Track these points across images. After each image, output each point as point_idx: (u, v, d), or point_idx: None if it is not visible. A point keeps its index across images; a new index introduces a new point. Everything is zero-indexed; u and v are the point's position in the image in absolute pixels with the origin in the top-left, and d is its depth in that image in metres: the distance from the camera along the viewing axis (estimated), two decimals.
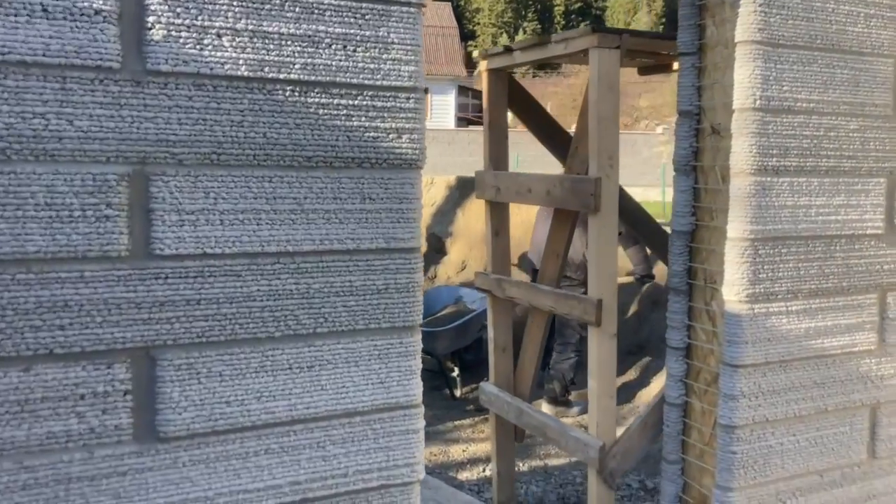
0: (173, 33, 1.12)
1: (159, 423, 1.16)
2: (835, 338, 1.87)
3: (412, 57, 1.28)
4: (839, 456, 1.93)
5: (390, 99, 1.27)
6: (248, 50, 1.17)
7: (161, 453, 1.16)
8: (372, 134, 1.26)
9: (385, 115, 1.27)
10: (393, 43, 1.26)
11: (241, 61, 1.16)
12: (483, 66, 3.19)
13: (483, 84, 3.22)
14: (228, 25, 1.15)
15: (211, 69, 1.14)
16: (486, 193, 3.19)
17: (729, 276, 1.75)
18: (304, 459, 1.27)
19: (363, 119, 1.25)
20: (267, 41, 1.18)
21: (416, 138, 1.29)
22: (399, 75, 1.27)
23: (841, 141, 1.80)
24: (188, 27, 1.13)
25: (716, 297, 1.85)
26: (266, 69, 1.18)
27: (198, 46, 1.13)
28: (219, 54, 1.15)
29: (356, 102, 1.25)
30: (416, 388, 1.35)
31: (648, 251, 5.28)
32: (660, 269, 5.64)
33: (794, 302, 1.80)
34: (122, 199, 1.10)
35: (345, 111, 1.24)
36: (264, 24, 1.18)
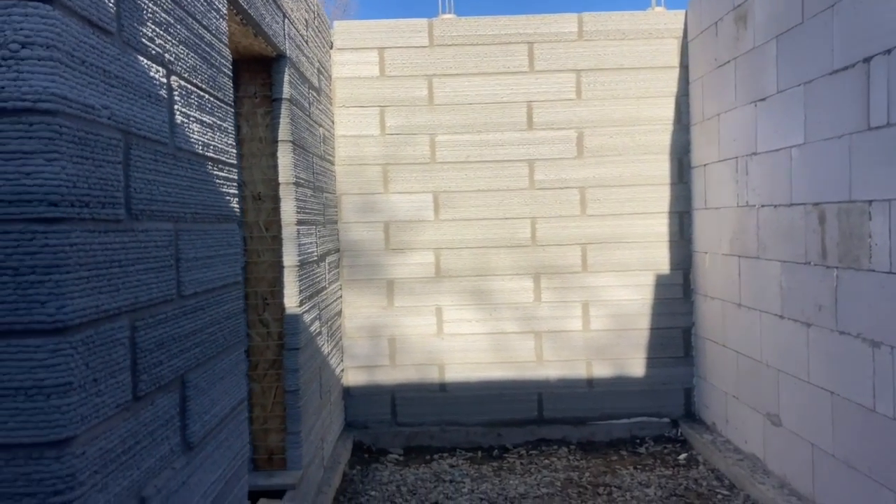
0: None
1: None
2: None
3: None
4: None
5: None
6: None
7: None
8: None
9: None
10: None
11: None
12: None
13: None
14: None
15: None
16: None
17: (288, 290, 2.66)
18: None
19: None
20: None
21: None
22: None
23: (308, 203, 2.94)
24: None
25: (268, 309, 2.71)
26: None
27: None
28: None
29: None
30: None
31: None
32: None
33: (310, 301, 2.84)
34: None
35: None
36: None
